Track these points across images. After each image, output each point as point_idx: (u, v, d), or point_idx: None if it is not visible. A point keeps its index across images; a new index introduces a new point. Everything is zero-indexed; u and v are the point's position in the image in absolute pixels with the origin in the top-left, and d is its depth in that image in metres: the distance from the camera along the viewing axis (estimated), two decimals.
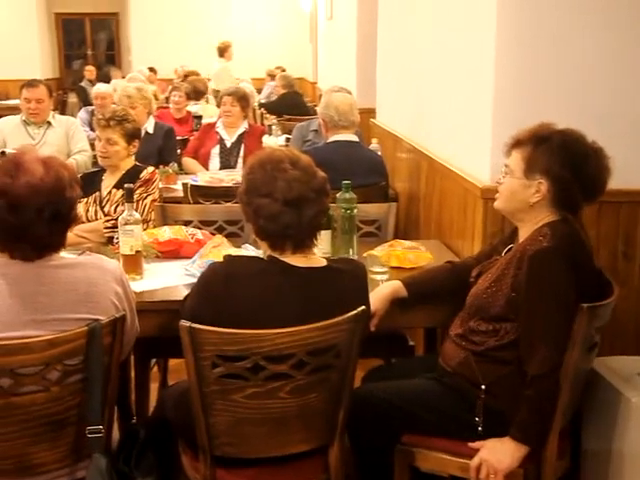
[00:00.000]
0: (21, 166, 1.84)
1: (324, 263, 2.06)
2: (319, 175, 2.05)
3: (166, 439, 2.15)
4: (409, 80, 4.26)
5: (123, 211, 3.37)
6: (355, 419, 2.10)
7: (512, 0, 2.68)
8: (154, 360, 3.26)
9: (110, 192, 3.51)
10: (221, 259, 2.52)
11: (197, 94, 7.26)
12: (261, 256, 2.13)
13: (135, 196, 3.30)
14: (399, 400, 2.19)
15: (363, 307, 1.98)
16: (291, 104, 7.81)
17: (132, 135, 3.55)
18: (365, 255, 2.81)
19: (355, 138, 3.93)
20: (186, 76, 8.38)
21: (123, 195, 3.45)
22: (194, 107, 6.97)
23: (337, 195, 2.81)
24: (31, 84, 5.15)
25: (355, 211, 2.87)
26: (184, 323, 1.88)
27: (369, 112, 5.58)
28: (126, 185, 2.79)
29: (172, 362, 3.38)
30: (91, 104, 10.91)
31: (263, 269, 2.01)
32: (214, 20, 13.23)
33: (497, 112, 2.75)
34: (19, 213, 1.79)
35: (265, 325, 1.90)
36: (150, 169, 3.56)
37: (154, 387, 3.09)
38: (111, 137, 3.49)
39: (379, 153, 4.39)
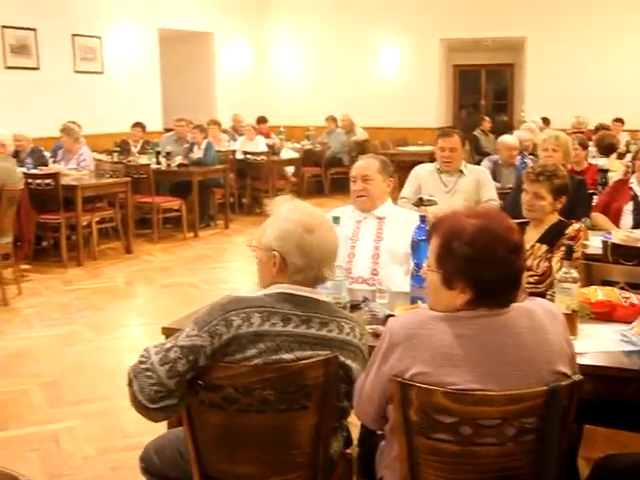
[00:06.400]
0: (490, 216, 1.93)
1: None
2: None
3: None
4: None
5: (546, 267, 3.37)
6: None
7: None
8: None
9: (533, 246, 3.50)
10: None
11: (607, 149, 6.99)
12: None
13: (560, 253, 3.25)
14: None
15: None
16: None
17: (559, 191, 3.53)
18: None
19: None
20: (597, 129, 8.17)
21: (547, 250, 3.43)
22: (600, 160, 6.73)
23: None
24: (446, 133, 5.42)
25: None
26: None
27: None
28: (566, 242, 2.77)
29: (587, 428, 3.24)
30: (482, 153, 11.25)
31: None
32: (614, 71, 12.74)
33: None
34: (520, 257, 1.89)
35: None
36: (576, 226, 3.50)
37: None
38: (538, 192, 3.51)
39: None
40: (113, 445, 3.70)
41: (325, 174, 12.61)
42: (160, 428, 2.61)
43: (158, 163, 9.32)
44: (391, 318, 2.21)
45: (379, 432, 2.22)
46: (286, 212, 2.22)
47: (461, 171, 5.21)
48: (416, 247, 2.96)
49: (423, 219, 3.05)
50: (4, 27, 9.95)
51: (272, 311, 2.09)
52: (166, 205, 9.10)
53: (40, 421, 3.99)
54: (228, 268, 7.96)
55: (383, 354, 1.93)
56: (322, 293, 2.24)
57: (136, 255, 8.21)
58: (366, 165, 3.73)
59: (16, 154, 7.63)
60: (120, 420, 3.94)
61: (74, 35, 10.99)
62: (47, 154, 8.71)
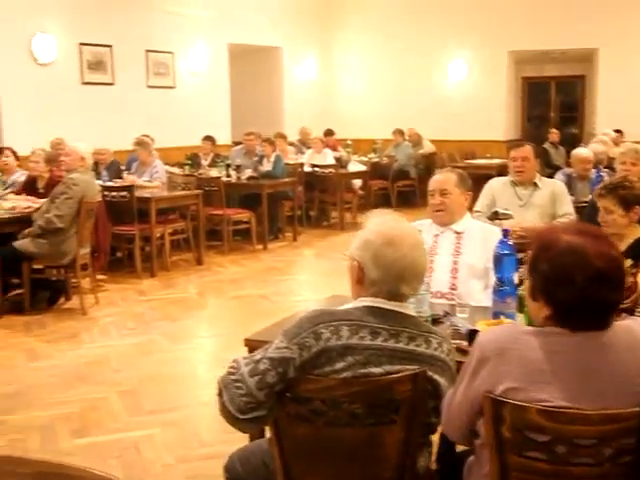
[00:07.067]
0: (588, 237, 1.88)
1: None
2: None
3: None
4: None
5: (631, 282, 3.30)
6: None
7: None
8: None
9: None
10: None
11: None
12: None
13: None
14: None
15: None
16: None
17: (628, 202, 3.46)
18: None
19: None
20: None
21: (632, 265, 3.36)
22: None
23: None
24: (518, 144, 5.41)
25: None
26: None
27: None
28: None
29: None
30: (553, 166, 11.06)
31: None
32: None
33: None
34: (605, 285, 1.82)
35: None
36: None
37: None
38: (607, 206, 3.47)
39: None
40: (191, 454, 3.75)
41: (392, 187, 12.59)
42: (238, 438, 2.63)
43: (228, 176, 9.45)
44: (480, 332, 2.19)
45: (460, 448, 2.20)
46: (374, 224, 2.23)
47: (535, 184, 5.14)
48: (499, 261, 2.91)
49: (506, 233, 3.01)
50: (82, 44, 10.26)
51: (361, 324, 2.09)
52: (236, 217, 9.23)
53: (120, 428, 4.08)
54: (297, 280, 8.01)
55: (473, 369, 1.91)
56: (410, 308, 2.24)
57: (207, 266, 8.34)
58: (444, 179, 3.70)
59: (95, 167, 7.84)
60: (197, 429, 3.99)
61: (147, 51, 11.27)
62: (122, 167, 8.93)
